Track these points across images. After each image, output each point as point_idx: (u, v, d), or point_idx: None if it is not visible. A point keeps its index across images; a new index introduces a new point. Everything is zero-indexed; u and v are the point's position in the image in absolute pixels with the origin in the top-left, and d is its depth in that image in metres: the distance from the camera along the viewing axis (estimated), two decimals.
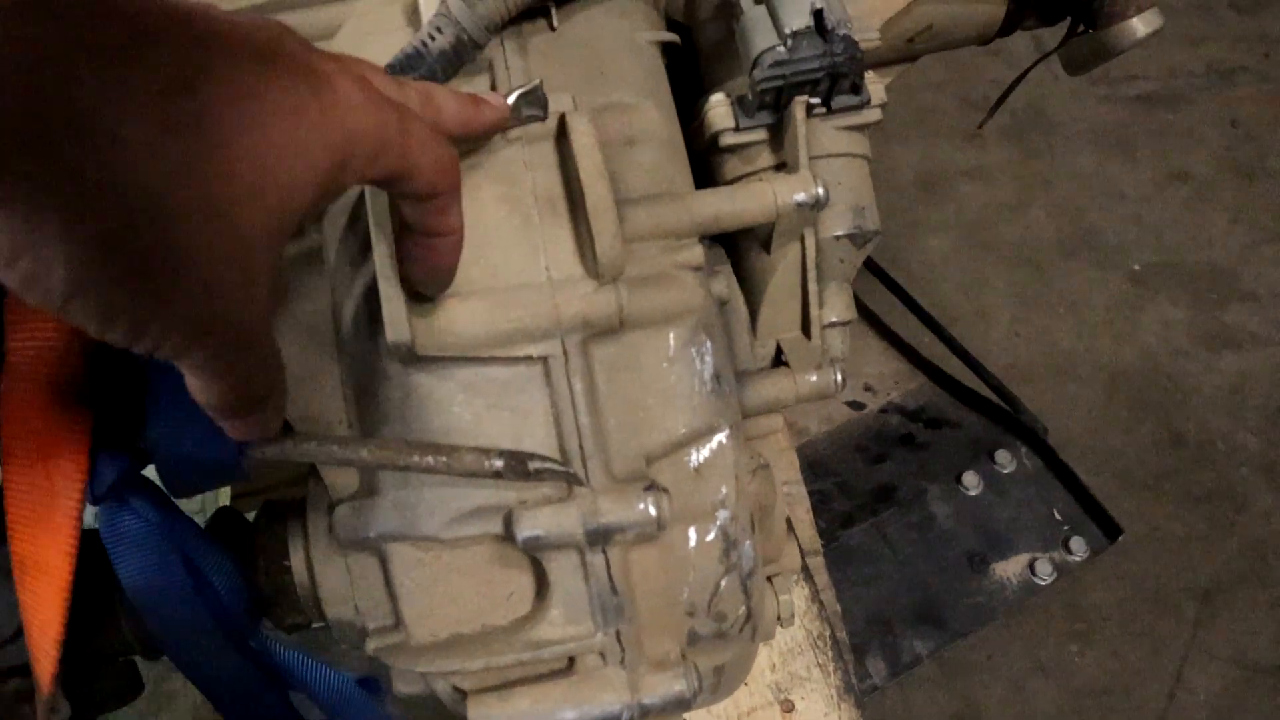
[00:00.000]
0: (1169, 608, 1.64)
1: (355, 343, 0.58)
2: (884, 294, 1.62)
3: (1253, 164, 2.19)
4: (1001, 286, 2.02)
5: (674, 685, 0.57)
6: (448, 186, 0.46)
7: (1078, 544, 1.35)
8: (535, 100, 0.54)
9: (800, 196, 0.60)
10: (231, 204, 0.34)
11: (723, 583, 0.58)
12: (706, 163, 0.67)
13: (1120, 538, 1.36)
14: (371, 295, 0.56)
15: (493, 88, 0.60)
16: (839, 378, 0.66)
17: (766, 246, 0.64)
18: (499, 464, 0.51)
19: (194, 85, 0.33)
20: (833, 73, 0.60)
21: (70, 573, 0.52)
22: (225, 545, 0.61)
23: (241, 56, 0.35)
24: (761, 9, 0.60)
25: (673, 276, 0.57)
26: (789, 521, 0.69)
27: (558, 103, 0.56)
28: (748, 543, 0.59)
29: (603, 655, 0.57)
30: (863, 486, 1.38)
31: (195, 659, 0.62)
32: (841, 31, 0.59)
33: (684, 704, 0.58)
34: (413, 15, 0.61)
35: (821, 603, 0.95)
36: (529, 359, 0.54)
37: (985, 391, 1.47)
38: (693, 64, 0.73)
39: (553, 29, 0.62)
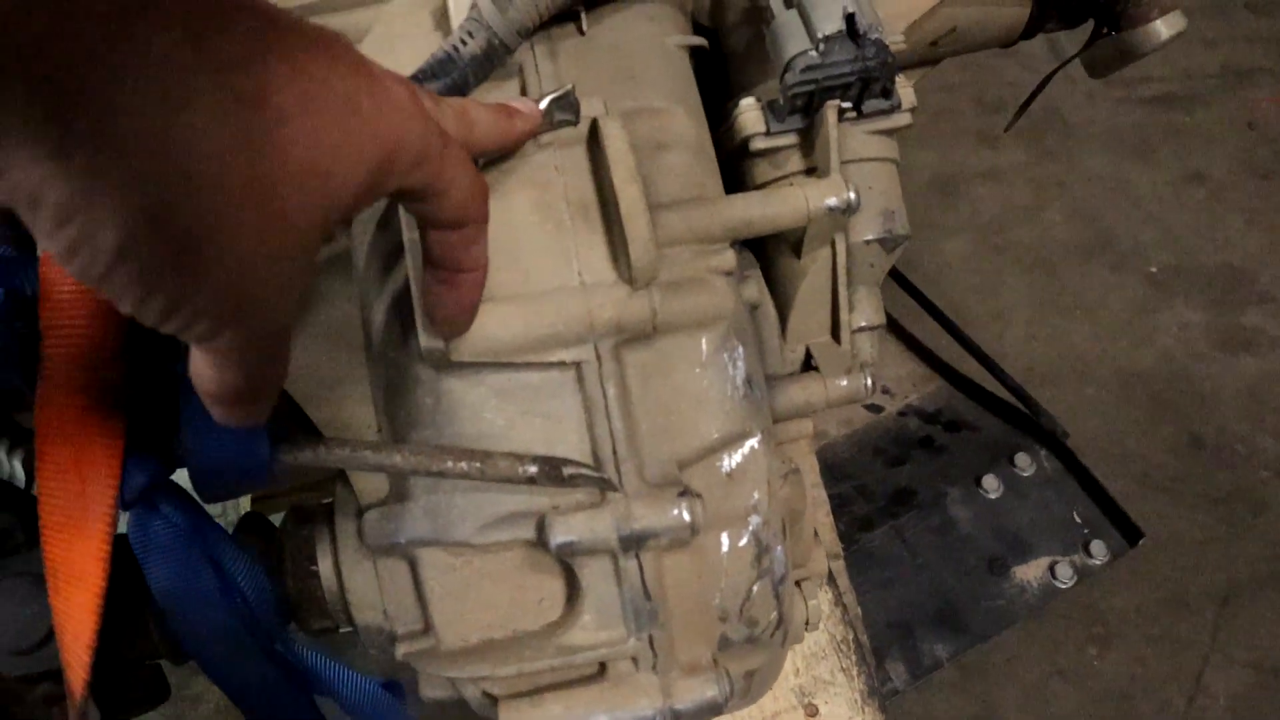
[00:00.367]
0: (1188, 611, 1.63)
1: (385, 348, 0.58)
2: (900, 296, 1.62)
3: (1269, 165, 2.18)
4: (1018, 289, 2.01)
5: (706, 690, 0.57)
6: (477, 215, 0.46)
7: (1098, 547, 1.34)
8: (567, 105, 0.54)
9: (832, 201, 0.59)
10: (280, 186, 0.35)
11: (755, 588, 0.58)
12: (736, 167, 0.67)
13: (1140, 541, 1.35)
14: (403, 300, 0.56)
15: (523, 92, 0.60)
16: (868, 382, 0.66)
17: (797, 251, 0.64)
18: (533, 470, 0.51)
19: (260, 61, 0.34)
20: (864, 77, 0.60)
21: (103, 580, 0.52)
22: (252, 550, 0.61)
23: (302, 44, 0.36)
24: (793, 13, 0.60)
25: (705, 281, 0.57)
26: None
27: (589, 107, 0.56)
28: (779, 548, 0.58)
29: (635, 660, 0.57)
30: (882, 489, 1.38)
31: (222, 663, 0.61)
32: (873, 36, 0.59)
33: (716, 709, 0.58)
34: (441, 19, 0.61)
35: (845, 606, 0.94)
36: (562, 364, 0.54)
37: (1003, 394, 1.46)
38: (719, 67, 0.73)
39: (582, 33, 0.62)
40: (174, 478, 0.59)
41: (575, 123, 0.55)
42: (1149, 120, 2.25)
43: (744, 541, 0.57)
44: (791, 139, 0.64)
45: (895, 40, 0.67)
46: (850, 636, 0.94)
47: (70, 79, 0.28)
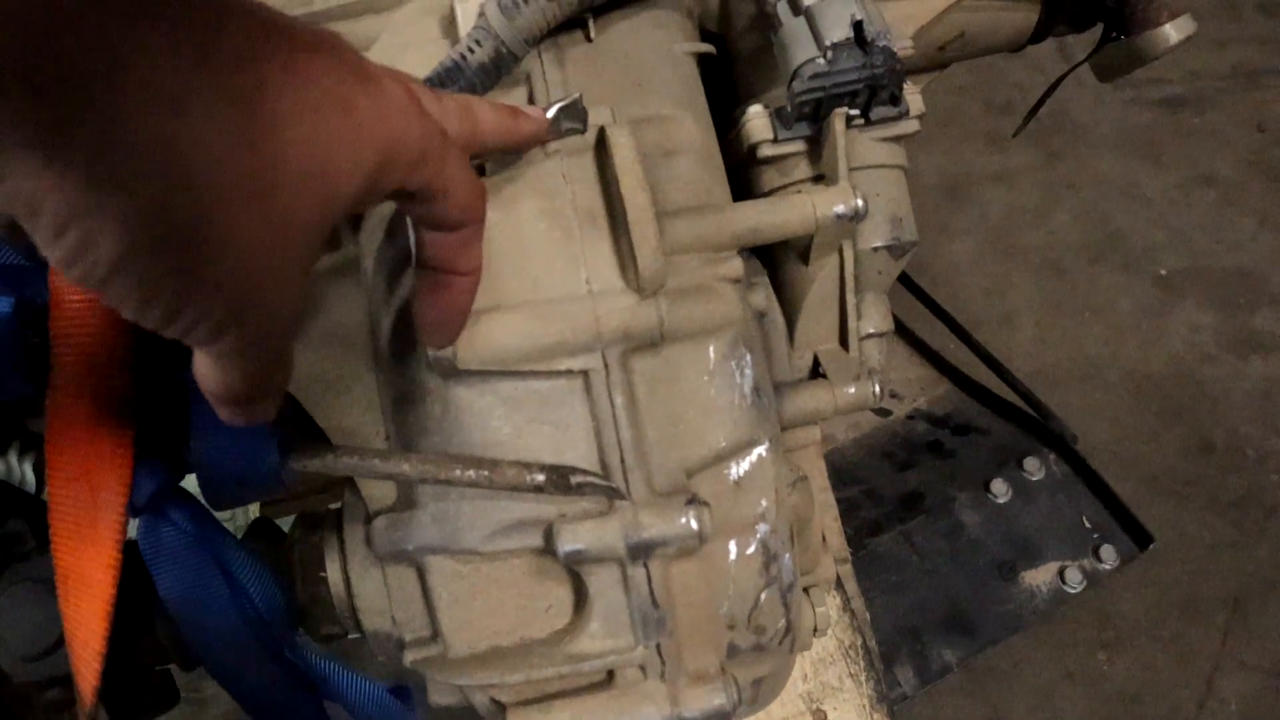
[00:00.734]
0: (1199, 615, 1.62)
1: (393, 355, 0.58)
2: (909, 299, 1.61)
3: None
4: (1027, 292, 2.00)
5: (714, 698, 0.57)
6: (475, 218, 0.46)
7: (1108, 552, 1.33)
8: (575, 113, 0.54)
9: (840, 209, 0.59)
10: (277, 186, 0.35)
11: (763, 596, 0.58)
12: (743, 174, 0.67)
13: (1150, 546, 1.34)
14: (410, 308, 0.56)
15: (530, 100, 0.60)
16: (877, 389, 0.66)
17: (804, 258, 0.64)
18: (541, 478, 0.51)
19: (257, 61, 0.34)
20: (872, 84, 0.60)
21: (113, 587, 0.52)
22: (261, 556, 0.62)
23: (301, 45, 0.36)
24: (801, 20, 0.60)
25: (712, 289, 0.57)
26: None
27: (597, 115, 0.56)
28: (787, 556, 0.58)
29: (643, 668, 0.57)
30: (890, 494, 1.37)
31: (231, 669, 0.62)
32: (881, 43, 0.59)
33: (723, 717, 0.58)
34: (449, 27, 0.61)
35: (853, 612, 0.94)
36: (569, 372, 0.54)
37: (1012, 398, 1.46)
38: (727, 74, 0.73)
39: (589, 40, 0.62)
40: (183, 484, 0.59)
41: (583, 131, 0.55)
42: (1159, 122, 2.24)
43: (752, 549, 0.57)
44: (799, 146, 0.64)
45: (903, 46, 0.67)
46: (858, 642, 0.93)
47: (68, 86, 0.28)
